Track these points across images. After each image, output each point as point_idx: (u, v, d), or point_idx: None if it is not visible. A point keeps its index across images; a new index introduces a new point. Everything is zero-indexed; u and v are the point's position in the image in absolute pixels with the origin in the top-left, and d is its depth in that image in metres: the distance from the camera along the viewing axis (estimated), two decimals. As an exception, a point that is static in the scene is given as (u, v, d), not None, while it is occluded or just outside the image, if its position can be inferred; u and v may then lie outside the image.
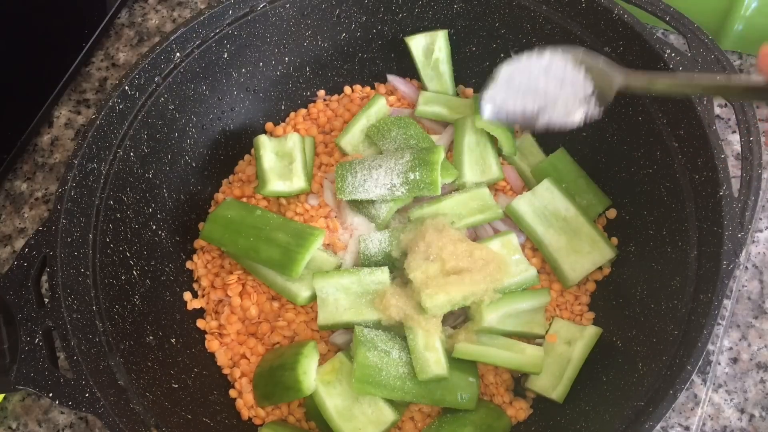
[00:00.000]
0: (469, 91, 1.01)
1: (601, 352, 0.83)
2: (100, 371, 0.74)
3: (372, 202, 0.89)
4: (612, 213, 0.92)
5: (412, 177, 0.85)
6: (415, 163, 0.86)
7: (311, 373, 0.80)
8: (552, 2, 0.87)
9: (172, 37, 0.85)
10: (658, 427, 0.71)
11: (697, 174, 0.78)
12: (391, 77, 1.02)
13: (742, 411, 0.86)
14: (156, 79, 0.86)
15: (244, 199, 0.95)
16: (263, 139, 0.94)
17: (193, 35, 0.87)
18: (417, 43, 0.97)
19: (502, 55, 0.96)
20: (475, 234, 0.92)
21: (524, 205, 0.89)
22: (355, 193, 0.87)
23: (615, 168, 0.90)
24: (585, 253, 0.88)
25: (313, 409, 0.82)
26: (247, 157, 1.00)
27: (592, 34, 0.86)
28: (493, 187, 0.95)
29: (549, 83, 0.67)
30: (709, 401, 0.86)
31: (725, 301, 0.90)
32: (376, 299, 0.83)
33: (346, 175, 0.88)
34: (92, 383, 0.71)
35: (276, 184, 0.91)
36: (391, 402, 0.80)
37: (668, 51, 0.80)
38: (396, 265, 0.87)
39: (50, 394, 0.71)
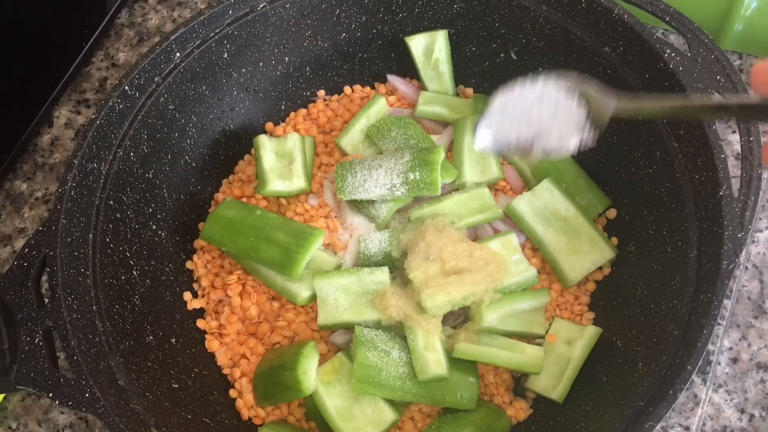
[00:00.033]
0: (469, 91, 1.01)
1: (601, 352, 0.83)
2: (100, 371, 0.74)
3: (372, 202, 0.89)
4: (612, 213, 0.92)
5: (412, 177, 0.85)
6: (415, 163, 0.86)
7: (311, 373, 0.80)
8: (552, 2, 0.87)
9: (172, 37, 0.85)
10: (658, 427, 0.71)
11: (697, 174, 0.78)
12: (391, 77, 1.02)
13: (742, 411, 0.86)
14: (156, 79, 0.86)
15: (244, 199, 0.95)
16: (263, 139, 0.94)
17: (193, 35, 0.87)
18: (417, 43, 0.97)
19: (502, 55, 0.96)
20: (475, 234, 0.92)
21: (524, 205, 0.89)
22: (355, 193, 0.87)
23: (615, 168, 0.90)
24: (585, 253, 0.88)
25: (313, 409, 0.82)
26: (247, 157, 1.00)
27: (592, 34, 0.86)
28: (493, 187, 0.95)
29: (543, 112, 0.66)
30: (709, 401, 0.86)
31: (725, 301, 0.90)
32: (376, 299, 0.83)
33: (346, 175, 0.88)
34: (92, 383, 0.71)
35: (276, 184, 0.91)
36: (391, 402, 0.80)
37: (668, 51, 0.80)
38: (396, 265, 0.87)
39: (50, 394, 0.71)
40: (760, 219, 0.94)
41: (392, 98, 1.01)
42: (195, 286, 0.93)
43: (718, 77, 0.79)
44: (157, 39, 1.12)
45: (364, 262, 0.88)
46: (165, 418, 0.76)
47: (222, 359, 0.88)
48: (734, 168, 0.93)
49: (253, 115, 0.99)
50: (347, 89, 1.03)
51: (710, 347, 0.88)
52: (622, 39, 0.83)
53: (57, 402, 0.71)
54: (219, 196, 0.97)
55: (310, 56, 0.98)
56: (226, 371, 0.88)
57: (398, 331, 0.84)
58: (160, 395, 0.78)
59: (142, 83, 0.84)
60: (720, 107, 0.58)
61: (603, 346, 0.83)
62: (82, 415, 0.90)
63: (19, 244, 1.00)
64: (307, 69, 0.99)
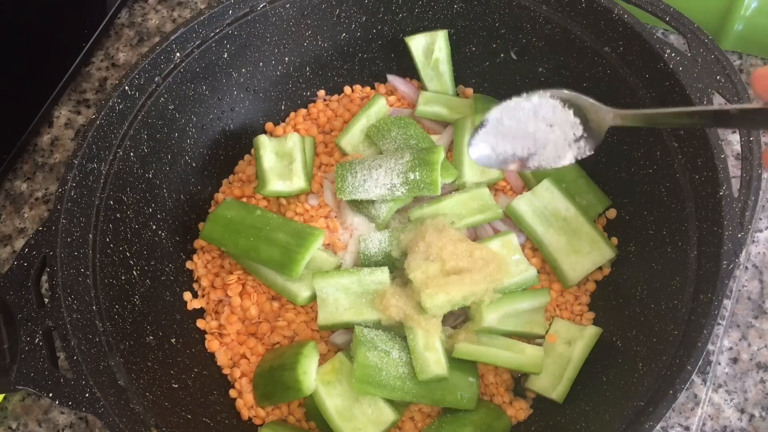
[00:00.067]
0: (469, 91, 1.01)
1: (601, 352, 0.83)
2: (100, 371, 0.74)
3: (372, 202, 0.89)
4: (612, 213, 0.92)
5: (412, 177, 0.85)
6: (415, 163, 0.86)
7: (311, 373, 0.80)
8: (552, 2, 0.87)
9: (172, 37, 0.85)
10: (658, 427, 0.71)
11: (697, 174, 0.78)
12: (391, 77, 1.02)
13: (742, 411, 0.86)
14: (156, 79, 0.86)
15: (244, 199, 0.95)
16: (263, 139, 0.94)
17: (193, 35, 0.87)
18: (417, 43, 0.97)
19: (502, 55, 0.96)
20: (475, 234, 0.92)
21: (524, 205, 0.89)
22: (355, 193, 0.87)
23: (615, 168, 0.90)
24: (585, 253, 0.88)
25: (313, 409, 0.82)
26: (247, 157, 1.00)
27: (592, 34, 0.86)
28: (493, 187, 0.95)
29: (538, 127, 0.67)
30: (709, 401, 0.86)
31: (725, 301, 0.90)
32: (376, 299, 0.83)
33: (346, 175, 0.88)
34: (92, 383, 0.71)
35: (276, 184, 0.91)
36: (391, 402, 0.80)
37: (668, 51, 0.80)
38: (396, 265, 0.87)
39: (50, 394, 0.71)
40: (760, 219, 0.94)
41: (392, 98, 1.01)
42: (195, 286, 0.93)
43: (718, 77, 0.79)
44: (157, 39, 1.12)
45: (364, 262, 0.88)
46: (165, 418, 0.76)
47: (222, 359, 0.88)
48: (734, 168, 0.93)
49: (253, 115, 0.99)
50: (347, 89, 1.03)
51: (710, 347, 0.88)
52: (622, 39, 0.83)
53: (57, 402, 0.71)
54: (219, 196, 0.97)
55: (310, 56, 0.98)
56: (226, 371, 0.88)
57: (398, 331, 0.84)
58: (160, 395, 0.78)
59: (142, 83, 0.84)
60: (720, 113, 0.58)
61: (603, 346, 0.83)
62: (82, 415, 0.90)
63: (19, 244, 1.00)
64: (307, 69, 0.99)
